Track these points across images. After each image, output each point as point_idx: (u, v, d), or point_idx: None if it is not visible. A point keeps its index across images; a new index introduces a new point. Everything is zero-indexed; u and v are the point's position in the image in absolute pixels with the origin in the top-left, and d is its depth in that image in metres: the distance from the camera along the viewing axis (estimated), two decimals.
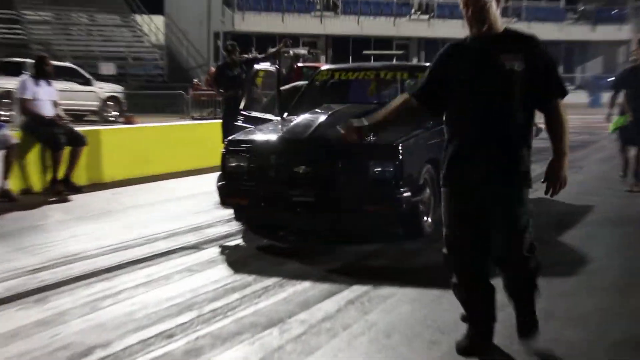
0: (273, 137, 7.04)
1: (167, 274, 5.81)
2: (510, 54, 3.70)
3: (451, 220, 3.97)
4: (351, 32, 35.32)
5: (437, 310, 4.92)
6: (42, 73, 9.66)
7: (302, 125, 7.20)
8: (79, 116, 22.29)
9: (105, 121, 22.12)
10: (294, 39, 32.53)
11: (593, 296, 5.22)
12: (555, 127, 3.78)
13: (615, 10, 40.41)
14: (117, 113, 23.59)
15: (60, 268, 5.92)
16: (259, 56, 10.17)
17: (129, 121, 20.97)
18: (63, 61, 26.28)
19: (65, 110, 20.92)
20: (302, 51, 23.83)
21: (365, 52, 31.47)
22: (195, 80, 28.70)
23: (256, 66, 9.11)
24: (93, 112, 23.26)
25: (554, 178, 3.80)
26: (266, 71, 8.80)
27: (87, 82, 23.46)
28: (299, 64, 19.69)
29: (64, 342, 4.26)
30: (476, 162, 3.79)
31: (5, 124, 9.47)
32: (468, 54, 3.82)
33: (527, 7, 39.52)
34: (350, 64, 12.00)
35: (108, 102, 23.83)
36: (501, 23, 3.84)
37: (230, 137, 7.36)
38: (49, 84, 9.76)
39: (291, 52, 24.46)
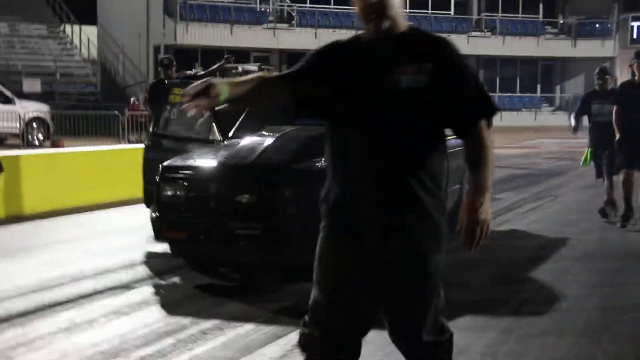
0: (213, 162, 7.06)
1: (92, 317, 5.77)
2: (412, 65, 3.04)
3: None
4: (308, 46, 35.40)
5: (393, 354, 4.95)
6: None
7: (246, 149, 7.23)
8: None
9: (29, 145, 21.91)
10: (244, 54, 32.70)
11: (564, 338, 5.31)
12: (474, 155, 3.09)
13: (598, 25, 41.32)
14: (41, 136, 23.39)
15: None
16: (200, 73, 10.18)
17: (56, 145, 20.79)
18: None
19: None
20: (252, 67, 23.91)
21: None
22: (133, 99, 28.61)
23: (167, 82, 9.20)
24: (14, 135, 23.05)
25: (471, 223, 3.09)
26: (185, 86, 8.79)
27: (7, 101, 23.27)
28: None
29: None
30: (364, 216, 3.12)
31: None
32: (353, 60, 3.16)
33: (502, 20, 40.25)
34: None
35: (32, 124, 23.63)
36: (404, 20, 3.20)
37: (165, 163, 7.35)
38: None
39: (239, 68, 24.59)
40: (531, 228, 8.83)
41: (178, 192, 6.97)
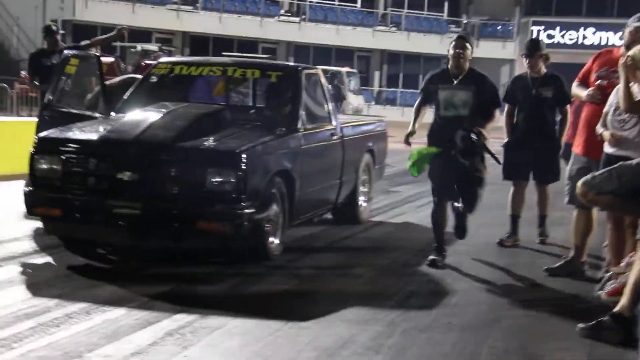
0: (94, 136, 6.61)
1: None
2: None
3: None
4: (212, 30, 34.98)
5: (272, 346, 4.66)
6: None
7: (130, 124, 6.81)
8: None
9: None
10: (146, 34, 31.93)
11: (451, 333, 5.11)
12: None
13: (500, 27, 41.96)
14: None
15: None
16: (82, 43, 9.64)
17: None
18: None
19: None
20: (153, 47, 23.34)
21: (225, 54, 31.17)
22: (23, 73, 27.49)
23: (66, 52, 8.62)
24: None
25: None
26: (82, 58, 8.29)
27: None
28: (148, 62, 19.14)
29: None
30: None
31: None
32: None
33: (408, 17, 40.49)
34: (194, 58, 11.64)
35: None
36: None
37: (41, 134, 6.87)
38: None
39: (139, 47, 23.94)
40: (425, 222, 8.61)
41: (54, 166, 6.52)
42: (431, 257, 6.99)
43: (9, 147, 11.30)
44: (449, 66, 7.04)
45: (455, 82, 6.96)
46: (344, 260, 7.22)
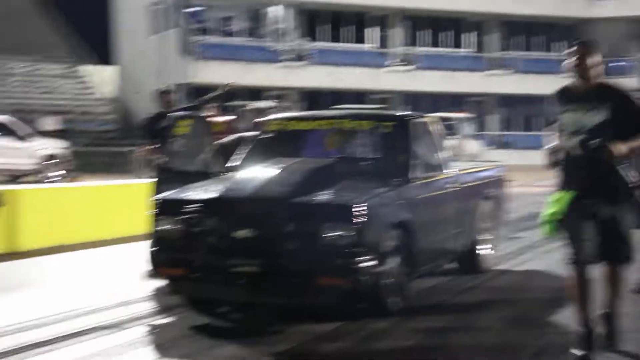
0: (211, 195, 6.63)
1: (75, 359, 5.32)
2: None
3: None
4: (324, 84, 35.34)
5: None
6: None
7: (245, 181, 6.82)
8: (16, 177, 21.88)
9: (46, 182, 21.61)
10: (259, 92, 32.52)
11: None
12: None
13: (620, 62, 40.91)
14: (57, 173, 23.09)
15: None
16: (191, 104, 9.80)
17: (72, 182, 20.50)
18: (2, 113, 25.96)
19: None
20: (269, 104, 23.61)
21: (337, 106, 31.39)
22: None
23: (175, 114, 8.78)
24: (32, 173, 22.75)
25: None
26: (192, 118, 8.41)
27: (22, 138, 23.03)
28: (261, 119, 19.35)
29: None
30: None
31: None
32: None
33: (521, 58, 39.88)
34: (306, 112, 11.67)
35: (49, 161, 23.34)
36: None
37: (161, 196, 6.95)
38: None
39: (255, 105, 24.27)
40: (553, 269, 8.30)
41: (175, 227, 6.55)
42: (575, 352, 5.18)
43: (134, 210, 11.56)
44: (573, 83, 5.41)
45: (581, 100, 5.30)
46: (470, 313, 6.97)
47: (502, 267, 8.95)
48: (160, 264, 6.65)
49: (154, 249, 6.68)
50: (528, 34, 41.26)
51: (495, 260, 8.97)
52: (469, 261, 8.50)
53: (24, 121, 25.82)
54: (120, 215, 11.50)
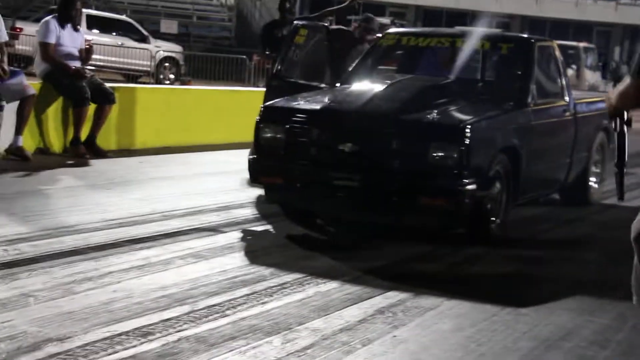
0: (317, 106, 6.54)
1: (169, 258, 5.38)
2: None
3: None
4: (445, 4, 34.51)
5: (486, 332, 4.36)
6: (67, 17, 9.35)
7: (354, 95, 6.70)
8: (131, 76, 22.31)
9: (160, 84, 21.97)
10: (380, 7, 31.97)
11: None
12: None
13: None
14: (173, 76, 23.46)
15: (45, 240, 5.54)
16: (312, 15, 9.60)
17: (184, 85, 20.77)
18: (121, 14, 26.41)
19: (116, 68, 20.68)
20: (385, 20, 23.23)
21: (459, 27, 30.66)
22: None
23: (296, 22, 8.59)
24: (147, 73, 23.18)
25: None
26: (311, 28, 8.23)
27: (142, 39, 23.40)
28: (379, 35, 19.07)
29: (13, 330, 3.85)
30: None
31: (21, 71, 9.19)
32: None
33: None
34: (422, 29, 11.37)
35: (164, 64, 23.72)
36: None
37: (267, 104, 6.89)
38: (76, 30, 9.47)
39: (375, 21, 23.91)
40: None
41: (278, 135, 6.51)
42: None
43: (244, 117, 11.58)
44: None
45: None
46: (572, 244, 6.75)
47: (610, 201, 8.61)
48: (259, 172, 6.63)
49: (253, 156, 6.66)
50: None
51: (603, 194, 8.64)
52: (578, 193, 8.21)
53: (143, 22, 26.23)
54: (231, 121, 11.54)
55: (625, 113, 3.46)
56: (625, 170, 3.65)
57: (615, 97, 3.33)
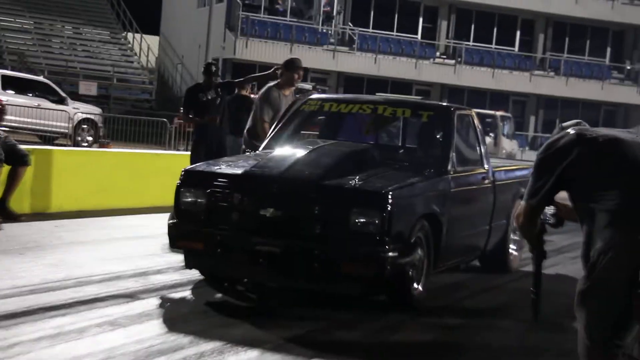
0: (239, 171, 6.50)
1: (84, 326, 5.23)
2: None
3: None
4: (367, 71, 35.06)
5: None
6: None
7: (276, 160, 6.68)
8: (47, 138, 21.94)
9: (78, 146, 21.64)
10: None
11: None
12: None
13: None
14: (91, 138, 23.16)
15: None
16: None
17: (103, 147, 20.49)
18: (38, 75, 26.07)
19: (32, 129, 20.27)
20: (306, 86, 23.46)
21: (380, 94, 31.16)
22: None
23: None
24: (64, 136, 22.82)
25: None
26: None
27: (60, 101, 23.09)
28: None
29: None
30: None
31: None
32: None
33: (567, 61, 39.31)
34: (345, 95, 11.50)
35: (82, 126, 23.41)
36: None
37: (187, 168, 6.83)
38: None
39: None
40: (580, 274, 8.11)
41: (198, 200, 6.43)
42: None
43: (164, 180, 11.47)
44: None
45: None
46: (492, 312, 6.80)
47: (528, 269, 8.73)
48: (180, 237, 6.53)
49: (173, 221, 6.56)
50: (577, 37, 40.54)
51: (522, 261, 8.77)
52: (497, 260, 8.31)
53: (62, 84, 25.92)
54: (151, 184, 11.42)
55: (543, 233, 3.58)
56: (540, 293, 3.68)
57: (515, 219, 3.47)
